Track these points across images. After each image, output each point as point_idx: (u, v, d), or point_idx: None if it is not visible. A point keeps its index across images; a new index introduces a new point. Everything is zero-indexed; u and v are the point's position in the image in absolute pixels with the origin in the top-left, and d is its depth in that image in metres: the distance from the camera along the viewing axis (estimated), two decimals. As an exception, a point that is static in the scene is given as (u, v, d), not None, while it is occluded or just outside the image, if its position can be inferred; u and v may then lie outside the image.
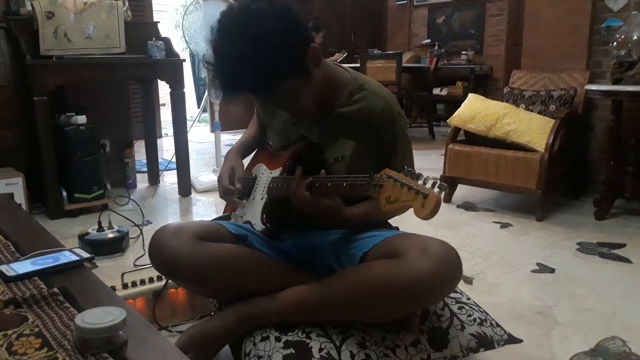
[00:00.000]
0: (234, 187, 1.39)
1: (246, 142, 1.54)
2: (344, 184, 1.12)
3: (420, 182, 0.98)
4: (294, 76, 1.16)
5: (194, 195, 3.35)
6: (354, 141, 1.29)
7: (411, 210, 0.97)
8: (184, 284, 1.44)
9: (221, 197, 1.44)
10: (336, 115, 1.29)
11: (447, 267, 1.09)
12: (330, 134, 1.31)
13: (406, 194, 0.97)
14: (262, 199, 1.35)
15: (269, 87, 1.16)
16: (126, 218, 2.45)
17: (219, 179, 1.43)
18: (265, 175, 1.39)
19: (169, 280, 1.59)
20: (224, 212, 1.55)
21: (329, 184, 1.15)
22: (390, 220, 1.40)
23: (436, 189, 0.95)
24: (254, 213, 1.36)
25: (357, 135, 1.28)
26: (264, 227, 1.32)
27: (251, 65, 1.10)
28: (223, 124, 3.83)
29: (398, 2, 7.21)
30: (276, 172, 1.36)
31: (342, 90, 1.30)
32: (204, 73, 3.56)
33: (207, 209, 3.08)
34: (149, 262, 1.27)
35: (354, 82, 1.31)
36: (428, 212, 0.93)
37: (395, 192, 0.99)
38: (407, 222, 1.37)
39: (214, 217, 1.54)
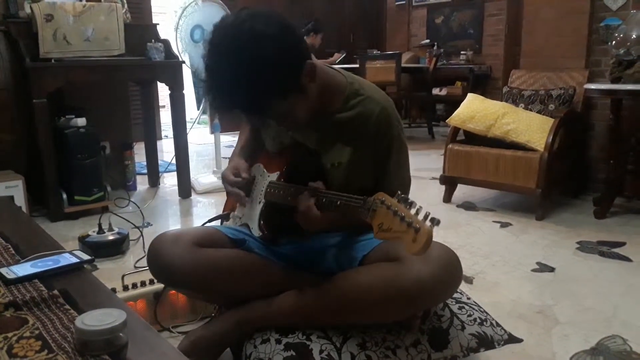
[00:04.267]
0: (241, 178, 1.35)
1: (245, 146, 1.52)
2: (338, 202, 1.12)
3: (413, 211, 0.96)
4: (288, 95, 1.14)
5: (194, 196, 3.35)
6: (350, 147, 1.27)
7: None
8: (183, 291, 1.44)
9: (227, 191, 1.41)
10: (333, 122, 1.27)
11: (447, 271, 1.10)
12: (327, 140, 1.29)
13: (398, 225, 0.96)
14: (259, 202, 1.35)
15: (262, 107, 1.15)
16: (126, 220, 2.45)
17: (224, 176, 1.40)
18: (264, 177, 1.38)
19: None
20: (223, 211, 1.55)
21: (324, 200, 1.15)
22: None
23: (428, 223, 0.93)
24: (251, 217, 1.36)
25: (354, 141, 1.27)
26: (261, 233, 1.31)
27: (244, 87, 1.08)
28: (223, 125, 3.82)
29: (397, 3, 7.21)
30: (274, 177, 1.35)
31: (338, 96, 1.28)
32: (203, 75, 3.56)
33: (207, 210, 3.08)
34: (149, 266, 1.27)
35: (349, 86, 1.29)
36: (419, 248, 0.92)
37: (388, 220, 0.98)
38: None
39: (213, 217, 1.54)
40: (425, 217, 0.94)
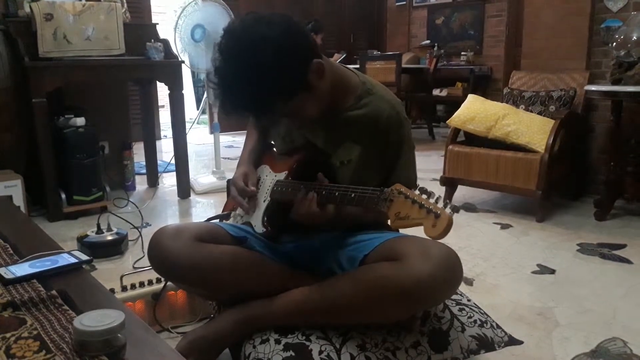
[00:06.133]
0: (250, 189, 1.37)
1: (253, 149, 1.53)
2: (352, 195, 1.12)
3: (432, 200, 0.97)
4: (296, 95, 1.17)
5: (193, 197, 3.34)
6: (360, 145, 1.29)
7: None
8: (184, 286, 1.44)
9: (232, 197, 1.42)
10: (344, 119, 1.30)
11: (448, 270, 1.09)
12: (336, 137, 1.31)
13: (417, 212, 0.97)
14: (264, 200, 1.35)
15: (268, 107, 1.17)
16: (125, 220, 2.45)
17: (234, 182, 1.41)
18: (270, 177, 1.39)
19: (168, 282, 1.59)
20: (222, 211, 1.55)
21: (336, 193, 1.15)
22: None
23: (448, 210, 0.94)
24: (255, 215, 1.35)
25: (364, 138, 1.29)
26: (264, 229, 1.31)
27: (248, 90, 1.12)
28: (222, 125, 3.83)
29: (397, 3, 7.21)
30: (281, 176, 1.35)
31: (350, 94, 1.30)
32: (202, 75, 3.58)
33: (206, 210, 3.08)
34: (148, 265, 1.27)
35: (362, 86, 1.31)
36: (439, 233, 0.93)
37: (406, 209, 0.99)
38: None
39: (212, 216, 1.53)
40: (445, 205, 0.96)
